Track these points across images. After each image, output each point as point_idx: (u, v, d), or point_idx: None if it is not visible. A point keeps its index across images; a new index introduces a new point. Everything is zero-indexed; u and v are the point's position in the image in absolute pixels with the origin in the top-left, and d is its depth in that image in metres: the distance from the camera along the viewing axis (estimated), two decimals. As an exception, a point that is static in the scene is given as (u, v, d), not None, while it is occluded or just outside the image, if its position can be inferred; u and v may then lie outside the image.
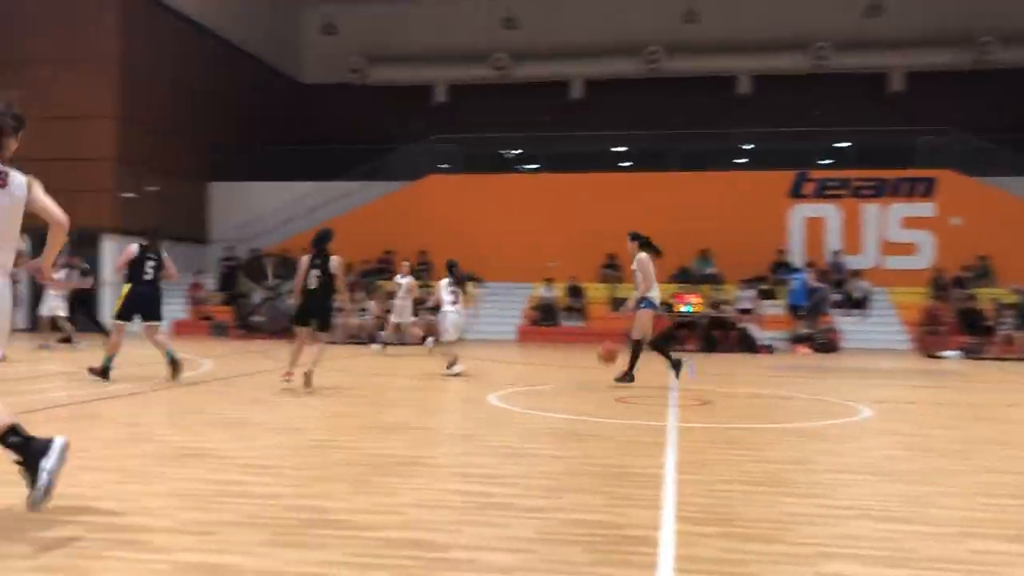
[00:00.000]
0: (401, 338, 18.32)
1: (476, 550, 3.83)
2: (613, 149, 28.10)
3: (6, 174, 4.31)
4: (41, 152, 24.30)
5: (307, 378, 9.85)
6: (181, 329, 23.30)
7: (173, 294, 24.99)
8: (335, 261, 9.89)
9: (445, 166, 27.78)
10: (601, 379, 11.39)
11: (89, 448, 6.18)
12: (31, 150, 21.06)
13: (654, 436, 6.99)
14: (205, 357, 14.53)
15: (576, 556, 3.78)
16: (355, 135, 28.76)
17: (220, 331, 22.62)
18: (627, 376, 10.70)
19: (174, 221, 26.00)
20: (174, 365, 10.49)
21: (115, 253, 23.61)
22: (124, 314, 10.73)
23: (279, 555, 3.71)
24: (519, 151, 29.33)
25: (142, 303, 10.71)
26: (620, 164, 28.10)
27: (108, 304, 23.62)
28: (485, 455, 6.14)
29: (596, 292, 23.77)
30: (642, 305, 10.72)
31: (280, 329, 21.45)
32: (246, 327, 22.23)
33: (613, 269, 24.46)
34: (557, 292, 23.42)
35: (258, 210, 27.17)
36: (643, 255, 10.72)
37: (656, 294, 10.74)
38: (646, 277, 10.59)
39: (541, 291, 23.42)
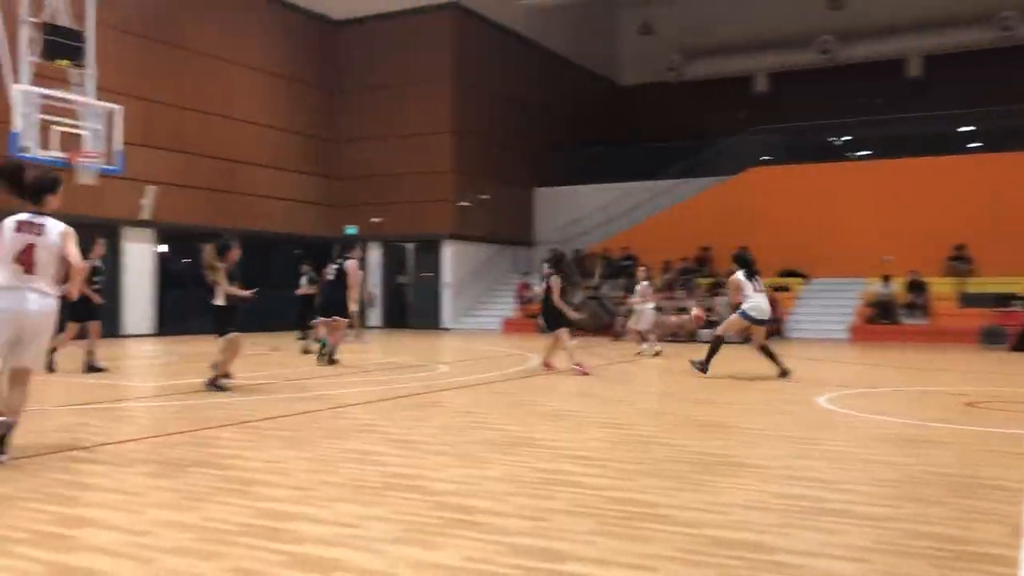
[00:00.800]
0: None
1: (806, 556, 3.66)
2: (959, 129, 25.41)
3: (43, 225, 5.65)
4: (395, 168, 27.30)
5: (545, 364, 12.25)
6: (510, 327, 24.68)
7: (502, 295, 26.63)
8: (554, 280, 12.15)
9: (767, 158, 26.84)
10: (947, 381, 10.39)
11: (433, 434, 6.76)
12: (387, 166, 23.74)
13: (1012, 445, 6.23)
14: (533, 352, 15.24)
15: (918, 570, 3.47)
16: (673, 132, 28.73)
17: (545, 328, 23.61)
18: (702, 365, 11.61)
19: (503, 225, 27.69)
20: (328, 355, 12.72)
21: (453, 257, 25.69)
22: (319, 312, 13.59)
23: (606, 545, 3.80)
24: (848, 137, 27.56)
25: (323, 302, 13.36)
26: (968, 145, 25.35)
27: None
28: (815, 459, 5.84)
29: (941, 287, 21.68)
30: (738, 313, 11.80)
31: (602, 327, 21.98)
32: (568, 324, 23.00)
33: (961, 261, 22.17)
34: (895, 287, 21.65)
35: (580, 211, 28.06)
36: (737, 275, 11.77)
37: (750, 306, 11.55)
38: (734, 293, 11.78)
39: (877, 287, 21.80)
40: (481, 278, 26.89)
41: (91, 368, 11.66)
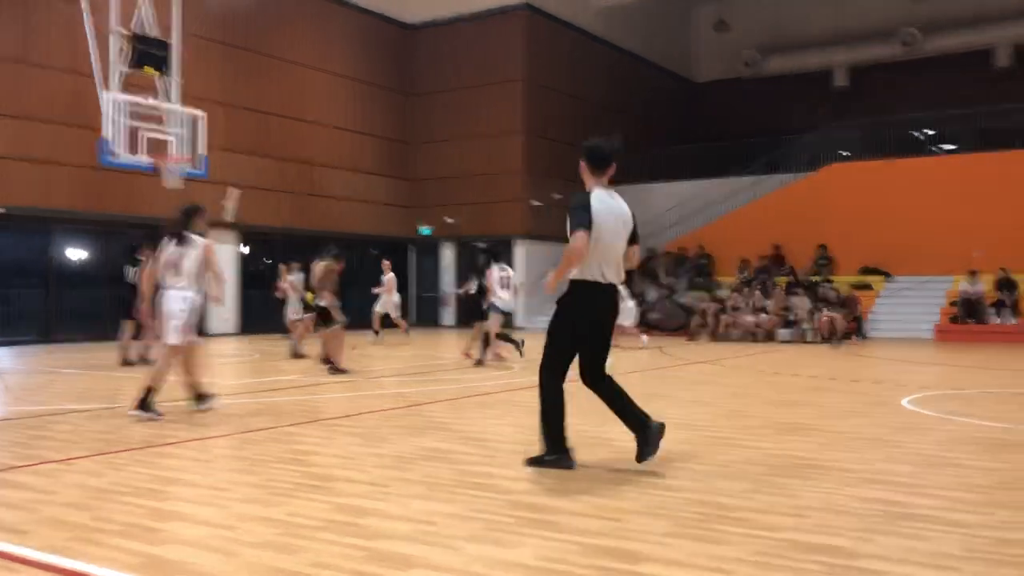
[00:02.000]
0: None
1: (889, 561, 3.56)
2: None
3: (191, 239, 7.60)
4: (468, 168, 27.47)
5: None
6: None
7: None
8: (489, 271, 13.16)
9: (846, 153, 26.18)
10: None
11: (507, 432, 6.79)
12: (460, 167, 24.16)
13: (1112, 451, 5.96)
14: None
15: (1011, 580, 3.35)
16: (750, 129, 28.25)
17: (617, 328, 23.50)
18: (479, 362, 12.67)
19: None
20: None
21: (526, 256, 25.73)
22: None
23: (680, 546, 3.77)
24: (931, 131, 26.70)
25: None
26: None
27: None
28: (899, 462, 5.68)
29: (1032, 285, 20.84)
30: (492, 310, 12.77)
31: (677, 326, 21.75)
32: (644, 324, 22.85)
33: (1054, 258, 21.27)
34: (983, 285, 20.89)
35: (654, 210, 27.80)
36: (495, 269, 12.69)
37: (503, 301, 12.72)
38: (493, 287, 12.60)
39: (963, 285, 21.07)
40: (554, 277, 26.84)
41: (124, 362, 12.75)
